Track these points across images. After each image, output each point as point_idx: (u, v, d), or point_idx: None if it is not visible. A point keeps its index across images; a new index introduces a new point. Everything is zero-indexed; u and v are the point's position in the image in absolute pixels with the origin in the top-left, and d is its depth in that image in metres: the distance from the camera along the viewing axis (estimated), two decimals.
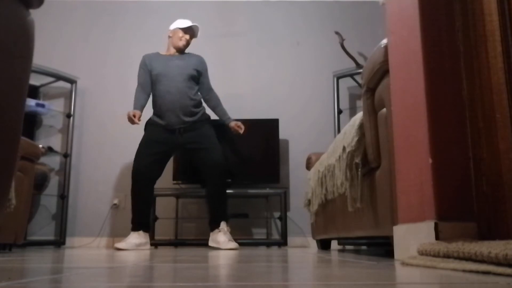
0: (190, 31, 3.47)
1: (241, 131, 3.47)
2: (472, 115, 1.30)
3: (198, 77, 3.43)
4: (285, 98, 4.43)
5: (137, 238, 3.13)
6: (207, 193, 3.27)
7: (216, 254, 2.11)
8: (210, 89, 3.52)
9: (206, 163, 3.23)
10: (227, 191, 3.38)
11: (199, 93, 3.45)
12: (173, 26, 3.48)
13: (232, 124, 3.49)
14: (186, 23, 3.45)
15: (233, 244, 3.04)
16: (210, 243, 3.16)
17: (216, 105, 3.53)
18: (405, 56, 1.47)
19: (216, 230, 3.16)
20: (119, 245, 3.06)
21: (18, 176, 2.86)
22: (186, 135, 3.29)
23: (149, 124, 3.38)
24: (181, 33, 3.43)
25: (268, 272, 0.97)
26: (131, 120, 3.24)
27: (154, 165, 3.26)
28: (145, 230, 3.20)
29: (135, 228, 3.18)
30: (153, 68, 3.37)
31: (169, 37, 3.49)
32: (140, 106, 3.36)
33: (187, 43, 3.46)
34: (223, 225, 3.17)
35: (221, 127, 3.59)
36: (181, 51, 3.45)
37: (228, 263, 1.33)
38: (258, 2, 4.64)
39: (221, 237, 3.09)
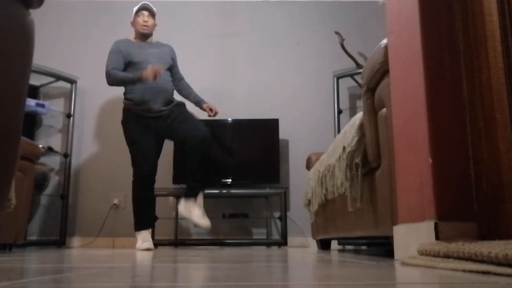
0: (146, 10, 3.31)
1: (212, 114, 3.37)
2: (472, 115, 1.30)
3: (172, 67, 3.37)
4: (285, 98, 4.42)
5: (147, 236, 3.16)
6: (188, 161, 3.08)
7: (216, 255, 2.11)
8: (181, 78, 3.49)
9: (190, 132, 3.06)
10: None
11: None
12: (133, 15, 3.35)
13: (205, 106, 3.39)
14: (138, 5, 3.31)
15: (206, 222, 3.02)
16: (182, 210, 3.06)
17: (189, 93, 3.46)
18: (405, 56, 1.47)
19: (193, 200, 3.04)
20: (143, 245, 3.03)
21: (18, 176, 2.85)
22: (164, 119, 3.20)
23: (128, 118, 3.26)
24: (139, 17, 3.30)
25: (268, 272, 0.97)
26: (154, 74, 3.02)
27: (153, 161, 3.21)
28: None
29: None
30: (129, 54, 3.24)
31: (133, 26, 3.37)
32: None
33: (148, 23, 3.29)
34: (200, 197, 3.06)
35: (220, 127, 3.57)
36: (146, 36, 3.33)
37: (228, 263, 1.33)
38: (258, 2, 4.63)
39: (197, 210, 3.03)
